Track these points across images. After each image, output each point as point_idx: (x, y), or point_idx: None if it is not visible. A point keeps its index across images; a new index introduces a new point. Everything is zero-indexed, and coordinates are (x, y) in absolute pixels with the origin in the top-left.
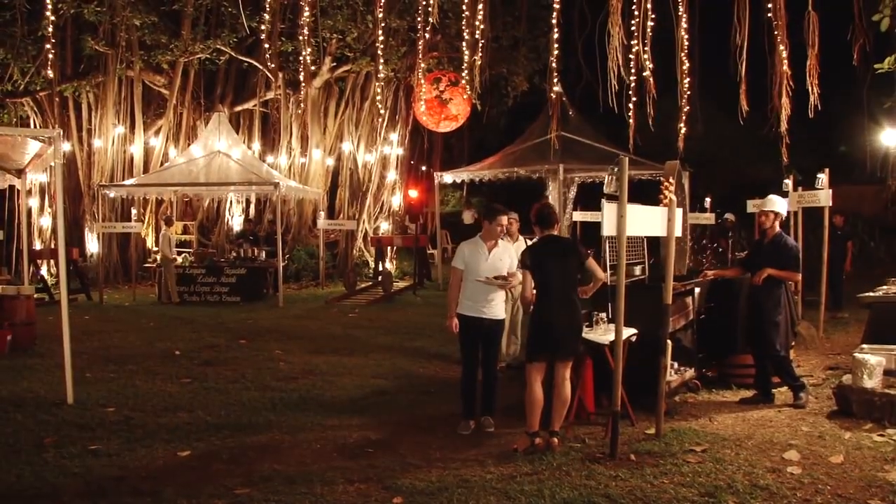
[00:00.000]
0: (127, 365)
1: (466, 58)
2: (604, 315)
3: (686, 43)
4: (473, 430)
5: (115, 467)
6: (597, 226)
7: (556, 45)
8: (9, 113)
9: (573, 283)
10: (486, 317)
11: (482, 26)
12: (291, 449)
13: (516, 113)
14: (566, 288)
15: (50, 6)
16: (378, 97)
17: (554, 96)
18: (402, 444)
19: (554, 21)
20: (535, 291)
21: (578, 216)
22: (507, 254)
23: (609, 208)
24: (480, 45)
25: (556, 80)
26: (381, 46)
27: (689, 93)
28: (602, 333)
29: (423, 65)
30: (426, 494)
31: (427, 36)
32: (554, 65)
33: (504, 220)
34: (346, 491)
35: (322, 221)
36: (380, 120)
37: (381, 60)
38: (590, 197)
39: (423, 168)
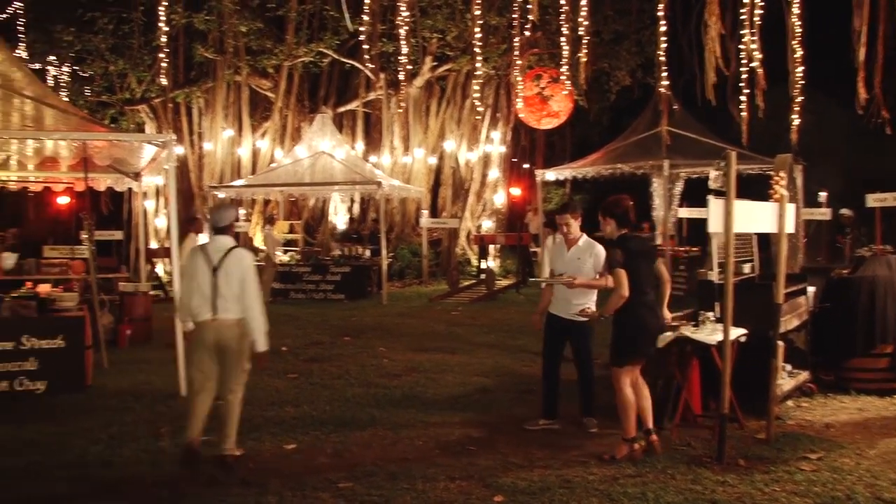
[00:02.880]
0: None
1: (566, 54)
2: (711, 314)
3: (798, 30)
4: (578, 431)
5: None
6: (703, 222)
7: (662, 39)
8: (127, 119)
9: (656, 283)
10: (565, 316)
11: (586, 22)
12: (394, 445)
13: (619, 108)
14: (654, 287)
15: (163, 18)
16: (476, 95)
17: (662, 90)
18: (503, 442)
19: (661, 13)
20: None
21: (685, 213)
22: (587, 253)
23: (715, 204)
24: (584, 41)
25: (663, 75)
26: (480, 44)
27: (802, 82)
28: (709, 333)
29: (521, 62)
30: (527, 494)
31: (526, 33)
32: (662, 58)
33: (563, 218)
34: (448, 488)
35: (425, 220)
36: (480, 118)
37: (481, 58)
38: (697, 193)
39: (526, 166)
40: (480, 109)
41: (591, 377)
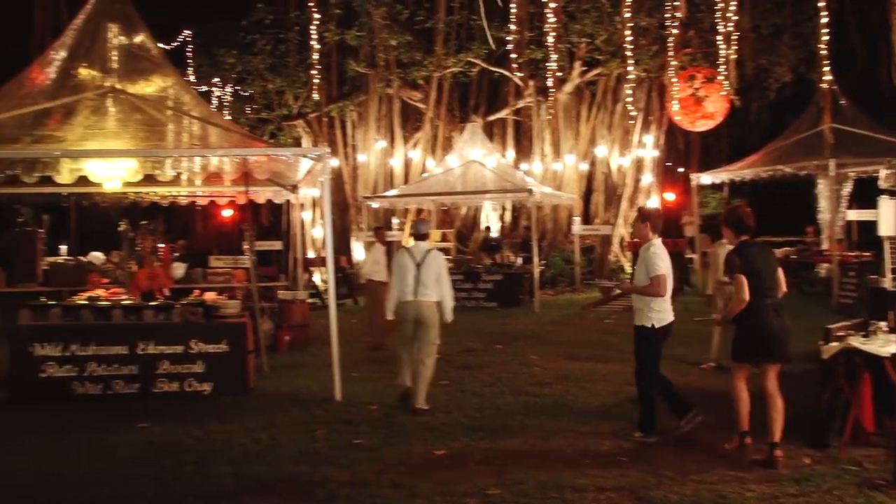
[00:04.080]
0: (389, 366)
1: (722, 52)
2: (883, 324)
3: None
4: (736, 446)
5: (376, 461)
6: (875, 225)
7: (824, 31)
8: (284, 134)
9: (779, 287)
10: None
11: (735, 17)
12: (543, 454)
13: (779, 106)
14: (776, 291)
15: (316, 36)
16: (628, 99)
17: (824, 86)
18: (656, 454)
19: (822, 3)
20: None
21: (854, 215)
22: (643, 258)
23: (887, 205)
24: (735, 37)
25: (825, 69)
26: (631, 47)
27: None
28: (881, 345)
29: (674, 62)
30: None
31: (677, 32)
32: (823, 51)
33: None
34: (597, 499)
35: (577, 227)
36: (632, 122)
37: (632, 61)
38: (869, 193)
39: (681, 169)
40: (633, 113)
41: (641, 386)
